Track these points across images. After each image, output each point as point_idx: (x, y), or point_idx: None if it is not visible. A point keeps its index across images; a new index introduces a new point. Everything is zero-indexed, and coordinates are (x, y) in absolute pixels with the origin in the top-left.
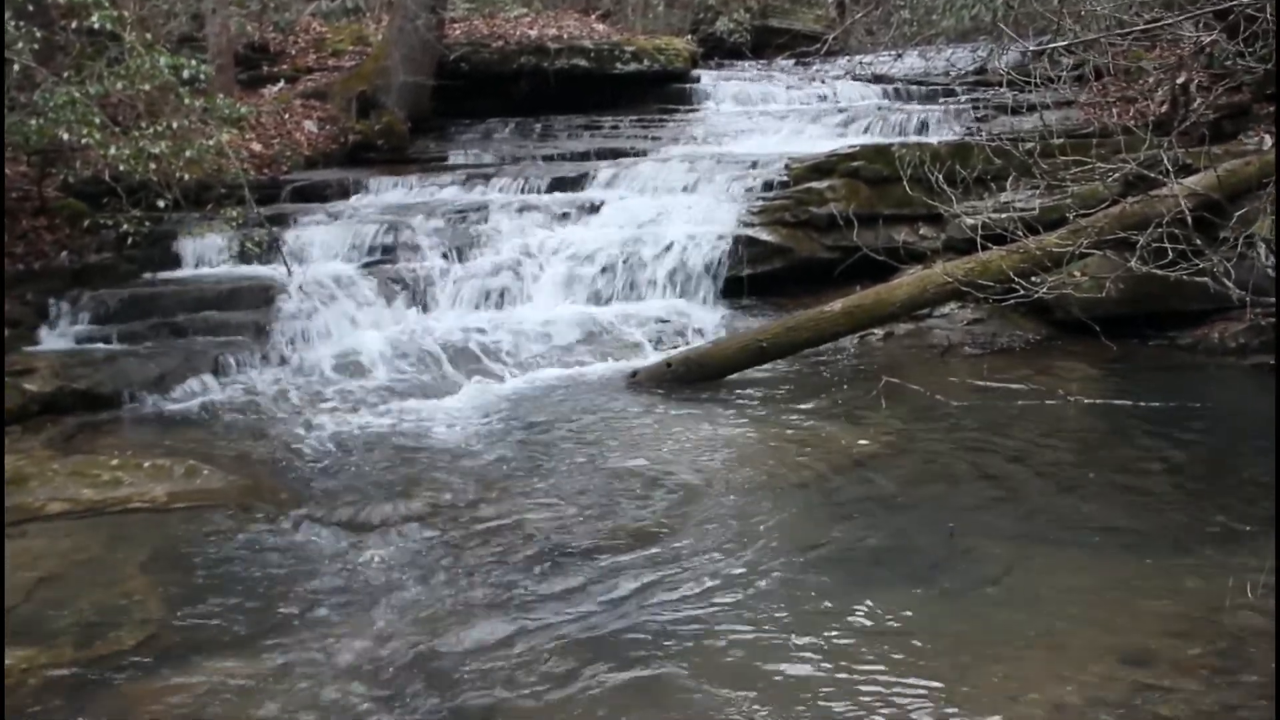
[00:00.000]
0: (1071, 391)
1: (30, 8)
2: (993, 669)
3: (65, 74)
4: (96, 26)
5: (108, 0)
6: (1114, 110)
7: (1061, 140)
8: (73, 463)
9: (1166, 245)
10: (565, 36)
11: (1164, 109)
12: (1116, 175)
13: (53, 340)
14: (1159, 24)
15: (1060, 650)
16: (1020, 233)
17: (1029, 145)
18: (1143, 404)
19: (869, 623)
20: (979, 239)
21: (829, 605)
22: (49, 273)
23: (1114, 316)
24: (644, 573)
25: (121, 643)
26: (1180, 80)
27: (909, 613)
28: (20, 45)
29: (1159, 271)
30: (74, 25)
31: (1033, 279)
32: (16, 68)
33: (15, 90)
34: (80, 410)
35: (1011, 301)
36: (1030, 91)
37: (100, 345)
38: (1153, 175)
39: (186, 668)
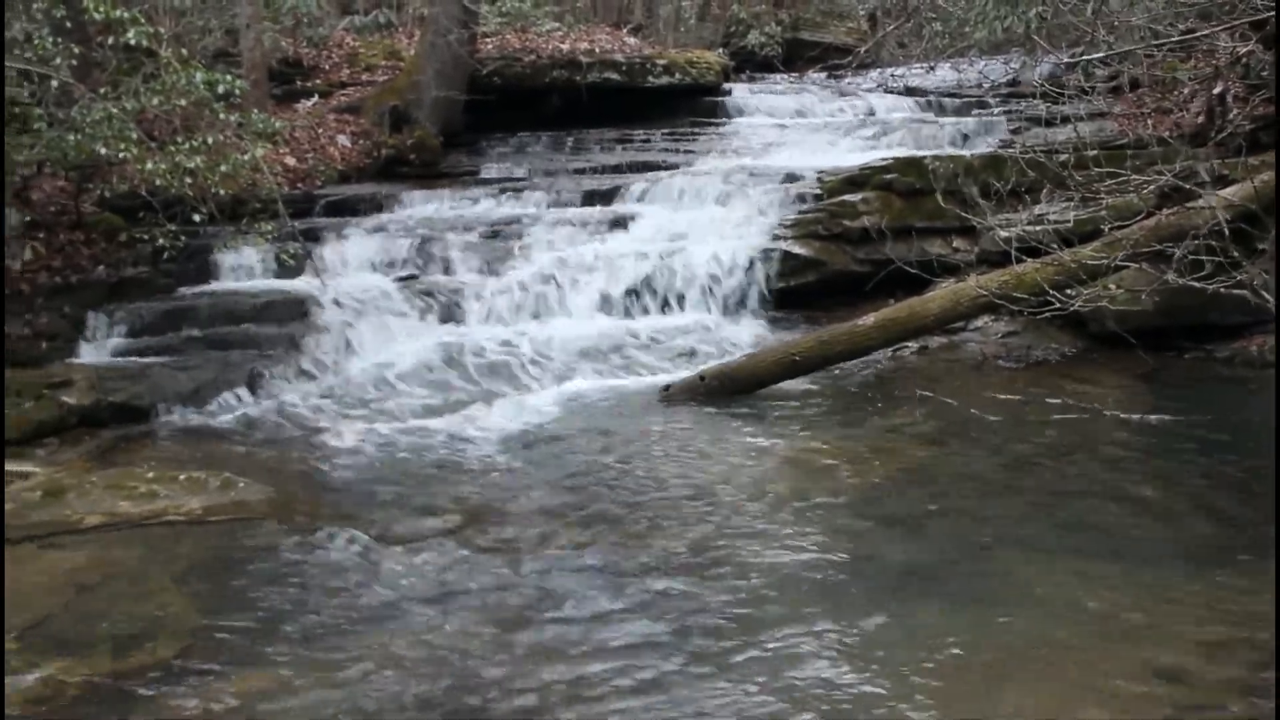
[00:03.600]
0: (1107, 405)
1: (68, 24)
2: (1028, 684)
3: (102, 90)
4: (133, 43)
5: (144, 17)
6: (1149, 121)
7: (1096, 152)
8: (110, 475)
9: (1203, 257)
10: (597, 50)
11: (1200, 120)
12: (1152, 187)
13: (90, 353)
14: (1195, 35)
15: (1096, 666)
16: (1055, 245)
17: (1063, 157)
18: (1179, 418)
19: (902, 637)
20: (1013, 251)
21: (862, 619)
22: (86, 286)
23: (1150, 329)
24: (675, 585)
25: (157, 654)
26: (1216, 91)
27: (943, 626)
28: (58, 61)
29: (1196, 284)
30: (111, 42)
31: (1067, 291)
32: (55, 84)
33: (54, 106)
34: (117, 423)
35: (1046, 314)
36: (1064, 103)
37: (136, 358)
38: (1189, 187)
39: (222, 679)
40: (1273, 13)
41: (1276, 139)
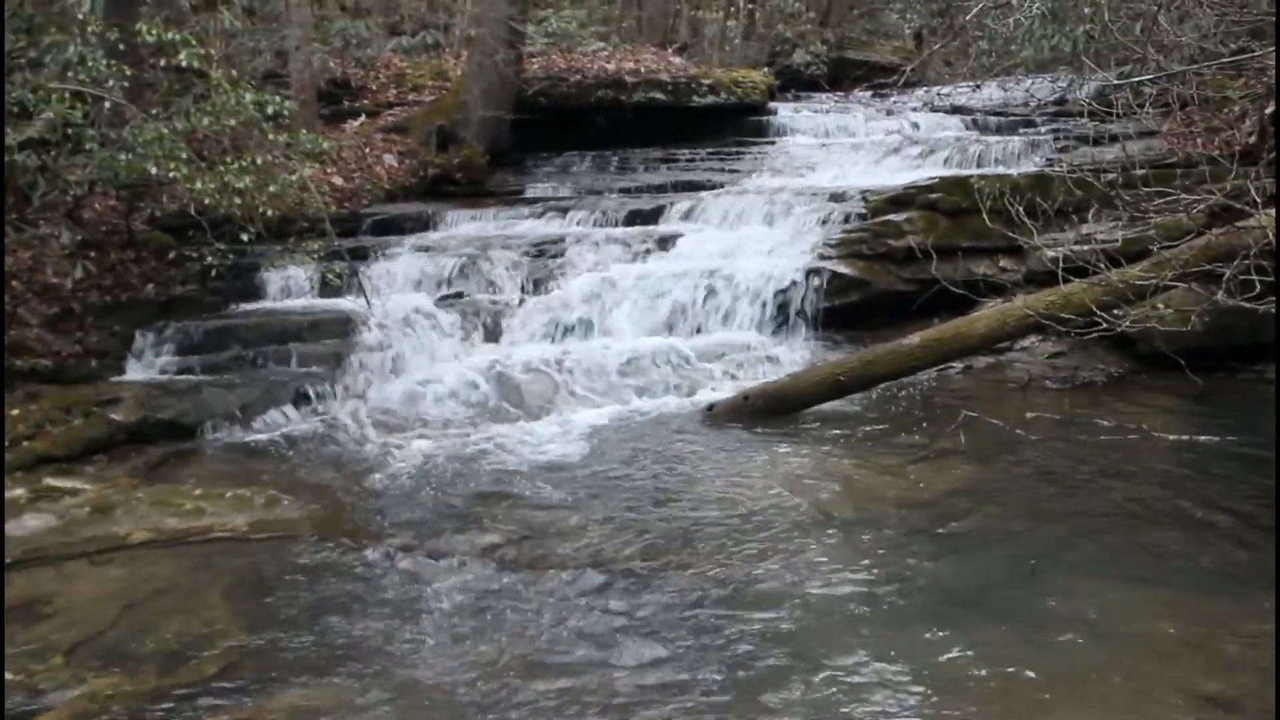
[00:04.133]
0: (1155, 427)
1: (121, 47)
2: (1075, 708)
3: (154, 111)
4: (184, 64)
5: (195, 39)
6: (1199, 140)
7: (1144, 171)
8: (157, 492)
9: (1254, 277)
10: (642, 70)
11: (1251, 139)
12: (1201, 206)
13: (139, 370)
14: (1247, 55)
15: (1145, 692)
16: (1102, 265)
17: (1111, 176)
18: (1229, 439)
19: (948, 661)
20: (1060, 271)
21: (907, 642)
22: (136, 304)
23: (1199, 349)
24: (721, 606)
25: (203, 670)
26: (1268, 110)
27: (989, 650)
28: (111, 83)
29: (1246, 304)
30: (163, 63)
31: (1115, 312)
32: (107, 105)
33: (106, 126)
34: (165, 440)
35: (1093, 335)
36: (1112, 121)
37: (184, 376)
38: (1239, 206)
39: (267, 696)
40: None
41: (1276, 143)
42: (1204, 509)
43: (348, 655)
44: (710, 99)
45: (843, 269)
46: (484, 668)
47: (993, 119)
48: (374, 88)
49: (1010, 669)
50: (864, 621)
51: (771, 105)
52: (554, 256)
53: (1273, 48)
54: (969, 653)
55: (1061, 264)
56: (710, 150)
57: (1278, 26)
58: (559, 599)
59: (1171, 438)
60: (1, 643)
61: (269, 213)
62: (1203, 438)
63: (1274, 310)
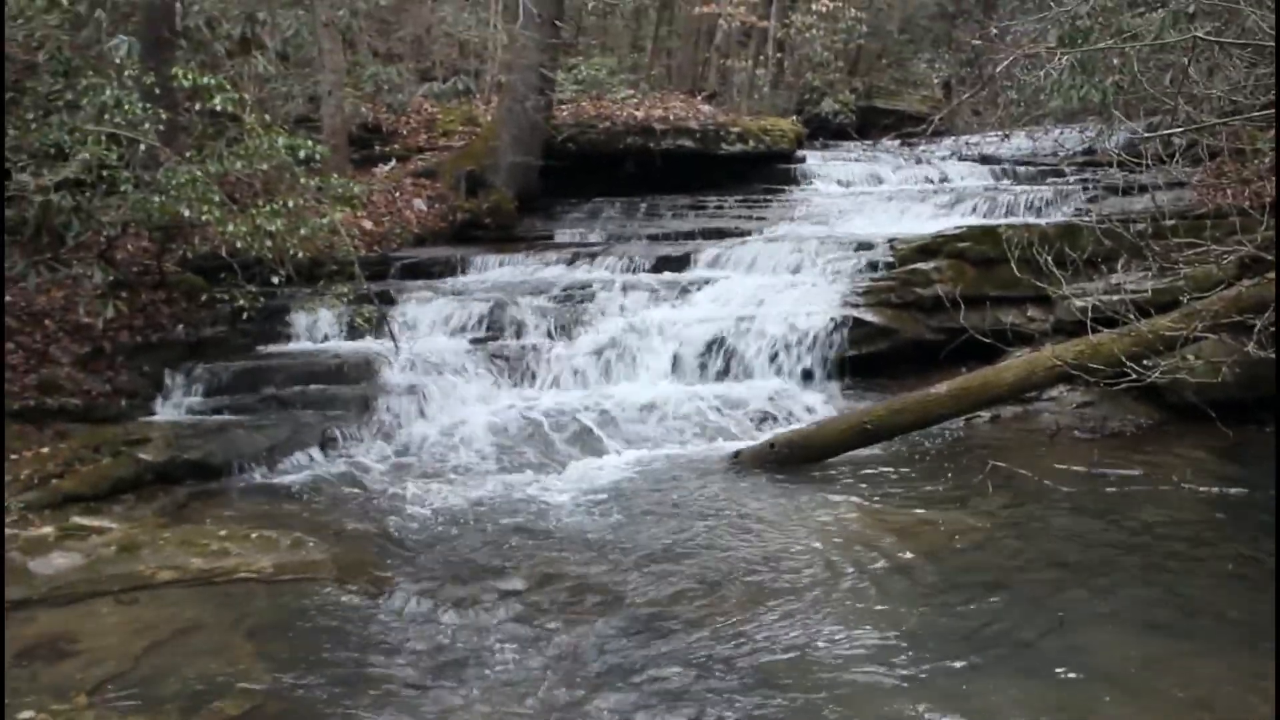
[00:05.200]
0: (1184, 478)
1: (157, 90)
2: None
3: (187, 154)
4: (218, 108)
5: (229, 83)
6: (1229, 191)
7: (1174, 221)
8: (183, 532)
9: None
10: (671, 118)
11: None
12: (1232, 257)
13: (168, 411)
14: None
15: None
16: (1131, 315)
17: (1140, 226)
18: (1259, 492)
19: (975, 713)
20: (1089, 321)
21: (935, 693)
22: (166, 345)
23: (1229, 401)
24: (746, 654)
25: (225, 713)
26: None
27: (1016, 702)
28: (146, 126)
29: (1276, 356)
30: (197, 107)
31: (1144, 362)
32: (142, 147)
33: (140, 169)
34: (192, 480)
35: (1123, 385)
36: (1141, 172)
37: (212, 416)
38: (1269, 257)
39: None
40: None
41: (1277, 145)
42: (1234, 561)
43: (370, 699)
44: (738, 147)
45: (870, 317)
46: (508, 717)
47: (1021, 168)
48: (405, 133)
49: None
50: (892, 675)
51: (800, 153)
52: (582, 302)
53: None
54: (994, 704)
55: (1090, 314)
56: (738, 197)
57: (1277, 81)
58: (582, 650)
59: (1201, 489)
60: (2, 680)
61: (299, 255)
62: (1232, 490)
63: None
